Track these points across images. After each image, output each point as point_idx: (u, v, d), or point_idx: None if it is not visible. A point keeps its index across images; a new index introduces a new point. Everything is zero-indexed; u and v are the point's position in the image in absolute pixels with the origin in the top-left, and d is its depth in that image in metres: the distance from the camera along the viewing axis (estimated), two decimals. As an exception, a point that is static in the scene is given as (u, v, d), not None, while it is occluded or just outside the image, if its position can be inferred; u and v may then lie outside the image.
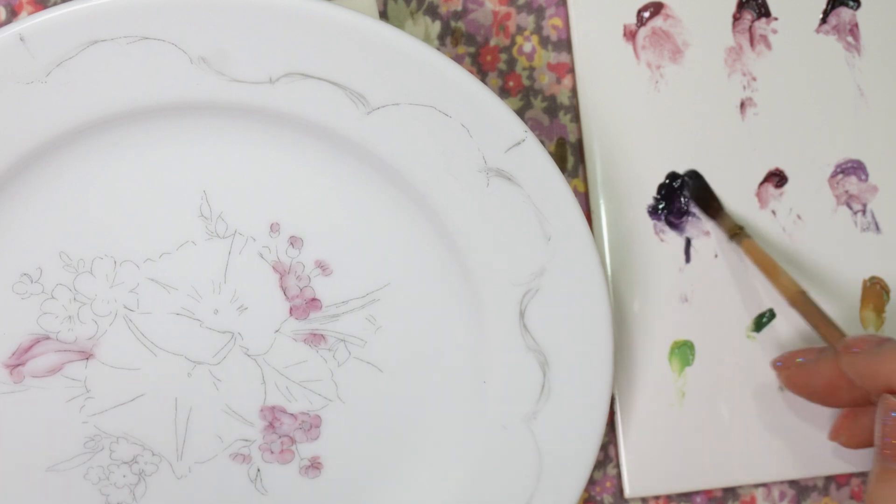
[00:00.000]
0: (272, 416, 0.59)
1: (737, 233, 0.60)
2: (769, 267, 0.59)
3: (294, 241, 0.56)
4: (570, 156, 0.62)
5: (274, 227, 0.55)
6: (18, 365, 0.56)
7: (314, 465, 0.60)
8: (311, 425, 0.59)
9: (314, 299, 0.57)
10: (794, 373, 0.58)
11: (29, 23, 0.49)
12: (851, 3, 0.63)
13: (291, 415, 0.59)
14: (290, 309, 0.57)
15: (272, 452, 0.59)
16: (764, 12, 0.63)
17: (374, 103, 0.52)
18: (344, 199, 0.55)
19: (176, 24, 0.49)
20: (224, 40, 0.50)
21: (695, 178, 0.61)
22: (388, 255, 0.56)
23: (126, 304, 0.56)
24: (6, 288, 0.55)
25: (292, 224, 0.56)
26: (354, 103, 0.52)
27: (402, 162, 0.53)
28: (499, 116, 0.52)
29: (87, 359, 0.57)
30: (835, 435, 0.59)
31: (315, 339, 0.58)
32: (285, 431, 0.59)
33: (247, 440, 0.59)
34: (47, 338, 0.56)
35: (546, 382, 0.57)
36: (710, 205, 0.61)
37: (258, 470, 0.60)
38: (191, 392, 0.58)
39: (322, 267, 0.56)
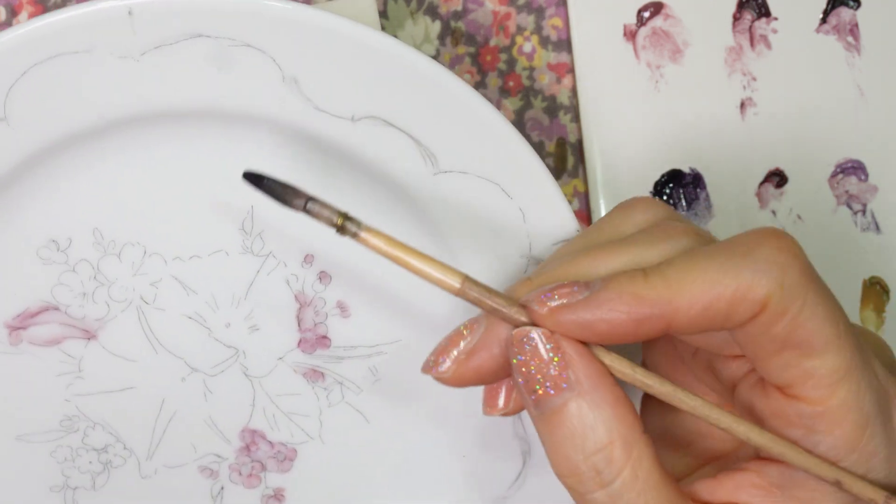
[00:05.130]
0: (251, 439, 0.56)
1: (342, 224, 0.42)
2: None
3: (323, 277, 0.53)
4: (570, 156, 0.61)
5: (308, 259, 0.53)
6: (20, 328, 0.53)
7: (277, 497, 0.57)
8: (286, 457, 0.56)
9: (325, 337, 0.54)
10: (465, 361, 0.43)
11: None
12: (851, 3, 0.62)
13: (270, 442, 0.56)
14: (300, 341, 0.54)
15: (240, 474, 0.56)
16: (764, 12, 0.61)
17: (444, 167, 0.50)
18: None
19: (281, 40, 0.47)
20: (322, 67, 0.48)
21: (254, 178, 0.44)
22: (409, 314, 0.54)
23: (143, 296, 0.53)
24: (31, 249, 0.52)
25: (326, 260, 0.53)
26: (425, 161, 0.50)
27: (451, 230, 0.51)
28: (558, 211, 0.50)
29: (89, 339, 0.53)
30: (492, 406, 0.45)
31: (314, 375, 0.55)
32: (259, 457, 0.56)
33: (219, 456, 0.56)
34: (56, 309, 0.53)
35: (524, 471, 0.55)
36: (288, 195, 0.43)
37: (222, 488, 0.56)
38: (179, 396, 0.55)
39: (342, 308, 0.54)
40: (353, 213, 0.41)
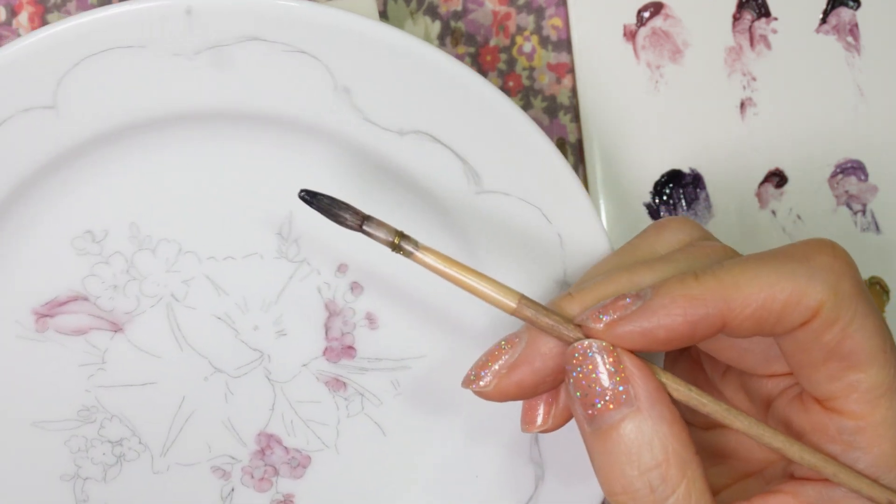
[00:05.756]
0: (266, 443, 0.55)
1: (398, 243, 0.42)
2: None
3: (354, 287, 0.53)
4: (570, 156, 0.61)
5: (342, 268, 0.52)
6: (47, 316, 0.52)
7: (286, 502, 0.56)
8: (300, 464, 0.56)
9: (351, 347, 0.54)
10: (506, 376, 0.43)
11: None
12: (851, 3, 0.62)
13: (285, 448, 0.55)
14: (325, 349, 0.54)
15: (252, 477, 0.56)
16: (764, 12, 0.61)
17: (487, 186, 0.49)
18: (418, 266, 0.51)
19: (336, 48, 0.47)
20: (374, 79, 0.47)
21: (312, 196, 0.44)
22: (437, 331, 0.54)
23: (174, 293, 0.52)
24: (66, 239, 0.51)
25: (360, 271, 0.53)
26: (468, 179, 0.49)
27: (487, 249, 0.51)
28: (597, 241, 0.50)
29: (116, 332, 0.53)
30: (531, 423, 0.45)
31: (337, 384, 0.54)
32: (273, 462, 0.55)
33: (233, 458, 0.55)
34: (86, 299, 0.52)
35: (535, 496, 0.54)
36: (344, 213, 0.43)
37: (232, 489, 0.56)
38: (200, 395, 0.54)
39: (370, 319, 0.53)
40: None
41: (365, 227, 0.42)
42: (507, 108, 0.48)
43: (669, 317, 0.39)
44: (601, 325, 0.40)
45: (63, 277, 0.52)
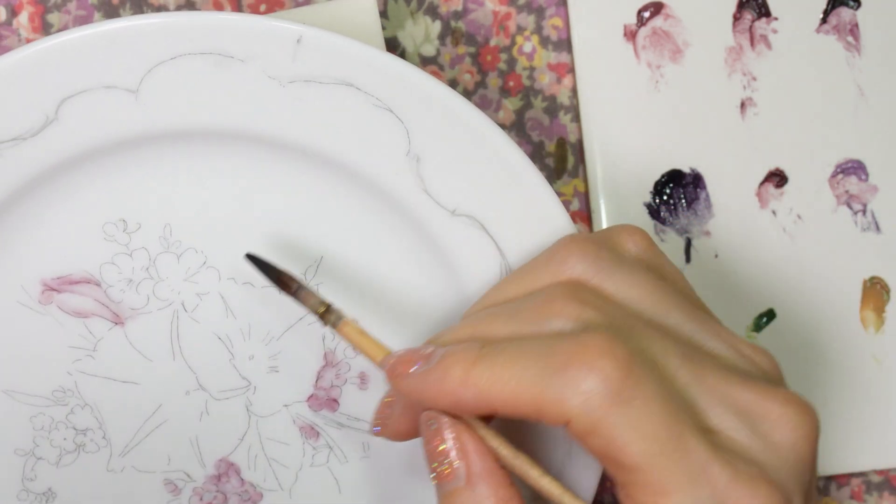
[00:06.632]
0: (225, 470, 0.55)
1: (322, 313, 0.46)
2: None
3: (357, 345, 0.53)
4: (570, 156, 0.61)
5: (352, 323, 0.53)
6: (54, 290, 0.51)
7: (226, 533, 0.56)
8: (250, 498, 0.55)
9: (335, 400, 0.54)
10: (394, 427, 0.48)
11: (313, 32, 0.46)
12: (851, 3, 0.62)
13: (241, 479, 0.55)
14: (311, 396, 0.54)
15: (201, 500, 0.55)
16: (764, 12, 0.61)
17: (515, 284, 0.50)
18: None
19: (423, 116, 0.48)
20: (448, 155, 0.48)
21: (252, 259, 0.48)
22: (422, 407, 0.54)
23: (185, 302, 0.52)
24: (98, 222, 0.51)
25: (370, 331, 0.52)
26: (502, 276, 0.50)
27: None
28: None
29: (116, 324, 0.52)
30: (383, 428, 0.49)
31: (311, 432, 0.54)
32: (225, 490, 0.55)
33: (189, 476, 0.55)
34: (98, 285, 0.52)
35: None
36: (283, 280, 0.47)
37: (176, 507, 0.55)
38: (177, 407, 0.54)
39: (362, 379, 0.54)
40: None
41: (298, 293, 0.46)
42: (564, 223, 0.49)
43: (439, 393, 0.42)
44: (392, 375, 0.44)
45: (82, 258, 0.51)
